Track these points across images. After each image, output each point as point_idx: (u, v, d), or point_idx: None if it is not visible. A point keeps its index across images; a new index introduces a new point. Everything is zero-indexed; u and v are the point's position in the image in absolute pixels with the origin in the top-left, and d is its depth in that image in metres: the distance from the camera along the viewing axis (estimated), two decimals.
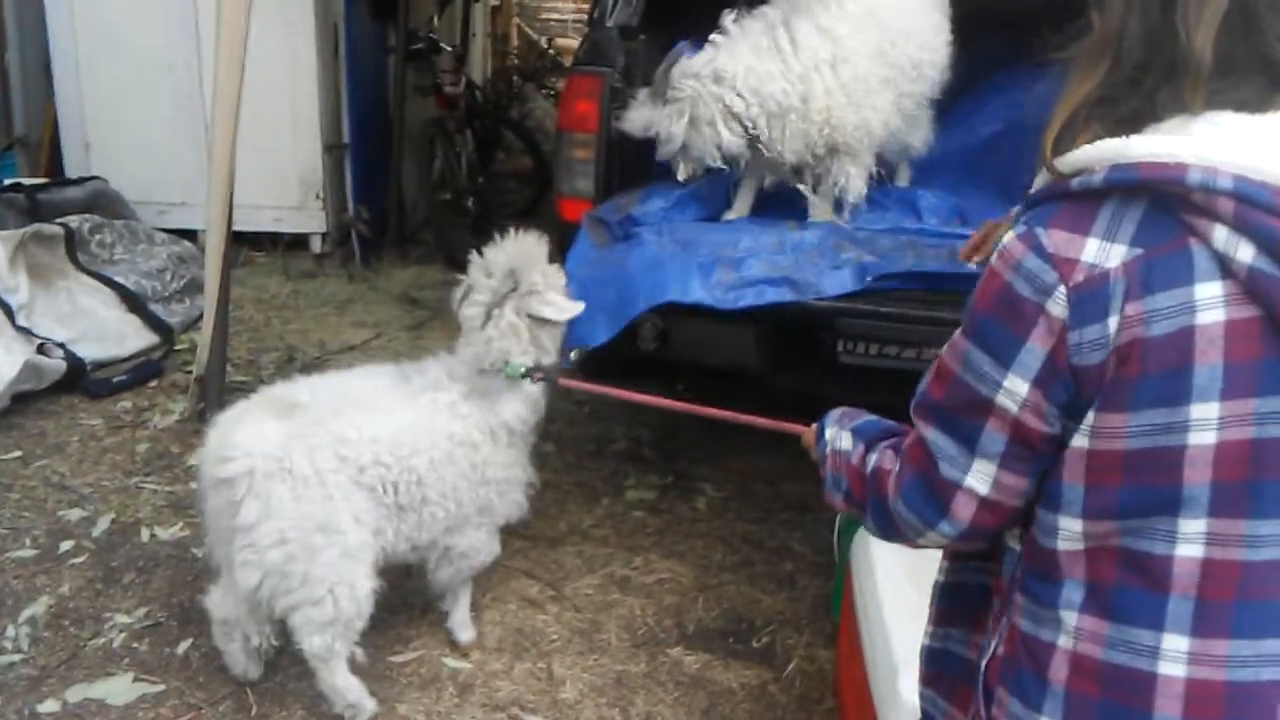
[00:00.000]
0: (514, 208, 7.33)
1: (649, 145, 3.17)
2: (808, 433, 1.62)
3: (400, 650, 2.82)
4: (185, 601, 2.94)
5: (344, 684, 2.48)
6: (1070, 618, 1.16)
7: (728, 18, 3.02)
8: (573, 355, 2.88)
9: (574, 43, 12.77)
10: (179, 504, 3.44)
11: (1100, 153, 1.09)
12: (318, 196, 5.84)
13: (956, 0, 3.50)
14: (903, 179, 3.68)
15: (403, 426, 2.38)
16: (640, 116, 2.98)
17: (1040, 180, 1.18)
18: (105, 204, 5.25)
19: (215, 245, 3.85)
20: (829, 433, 1.46)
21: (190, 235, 5.37)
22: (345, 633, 2.40)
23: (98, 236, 4.87)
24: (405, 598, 2.94)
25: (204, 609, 2.58)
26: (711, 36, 3.01)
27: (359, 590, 2.36)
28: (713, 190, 3.17)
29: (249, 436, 2.26)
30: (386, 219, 6.23)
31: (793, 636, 2.99)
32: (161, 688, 2.65)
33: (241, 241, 5.25)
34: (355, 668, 2.55)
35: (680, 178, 3.10)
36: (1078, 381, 1.09)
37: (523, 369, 2.47)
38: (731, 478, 3.79)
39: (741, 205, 3.22)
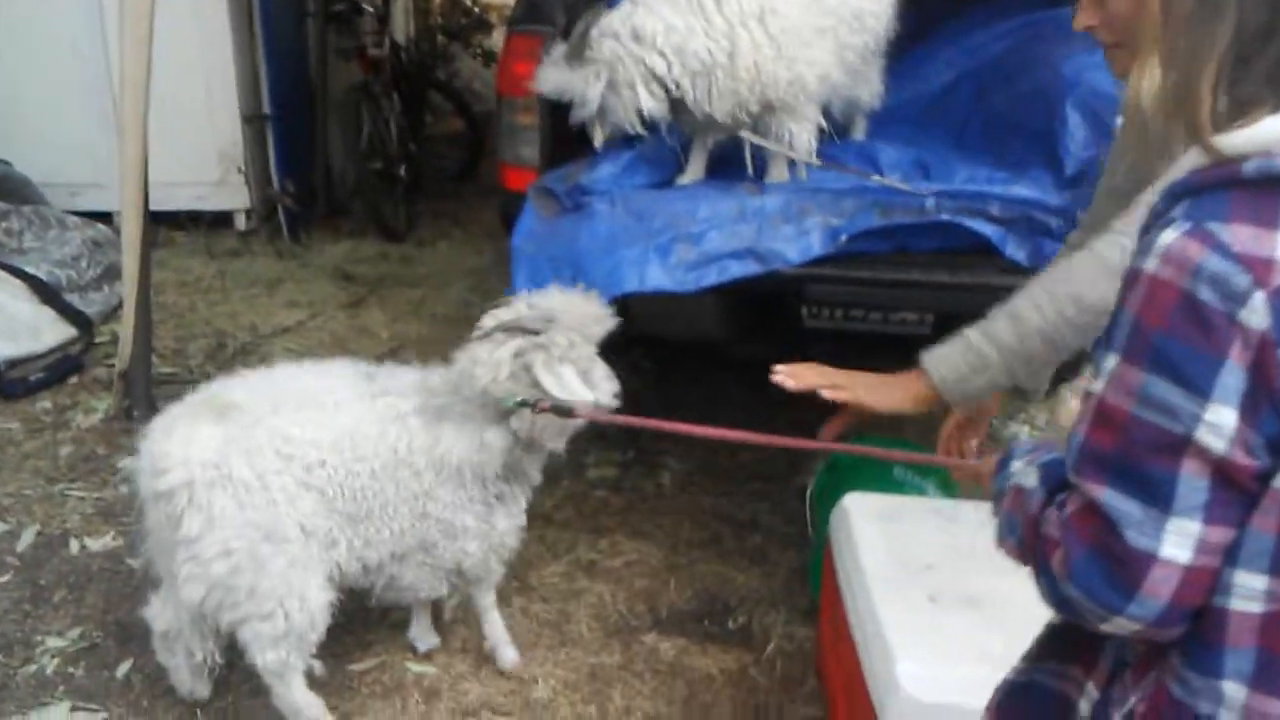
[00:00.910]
0: (449, 173, 7.08)
1: None
2: (985, 465, 1.41)
3: (360, 658, 2.66)
4: (123, 618, 2.74)
5: (302, 700, 2.32)
6: (1236, 692, 0.98)
7: None
8: None
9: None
10: (109, 511, 3.22)
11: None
12: (239, 170, 5.54)
13: None
14: (859, 132, 3.55)
15: (346, 427, 2.18)
16: (554, 78, 2.77)
17: (1188, 162, 0.99)
18: (10, 189, 4.91)
19: (132, 229, 3.60)
20: (1016, 464, 1.19)
21: (105, 218, 5.05)
22: (300, 646, 2.24)
23: (4, 224, 4.56)
24: (361, 601, 2.77)
25: (144, 622, 2.40)
26: None
27: (311, 603, 2.19)
28: (664, 152, 3.01)
29: (183, 444, 2.09)
30: (314, 191, 5.96)
31: (769, 615, 2.89)
32: (103, 715, 2.47)
33: (160, 222, 4.97)
34: (313, 681, 2.39)
35: (597, 143, 2.90)
36: None
37: (517, 399, 2.12)
38: (694, 450, 3.66)
39: (695, 167, 3.05)
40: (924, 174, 3.13)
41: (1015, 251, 2.64)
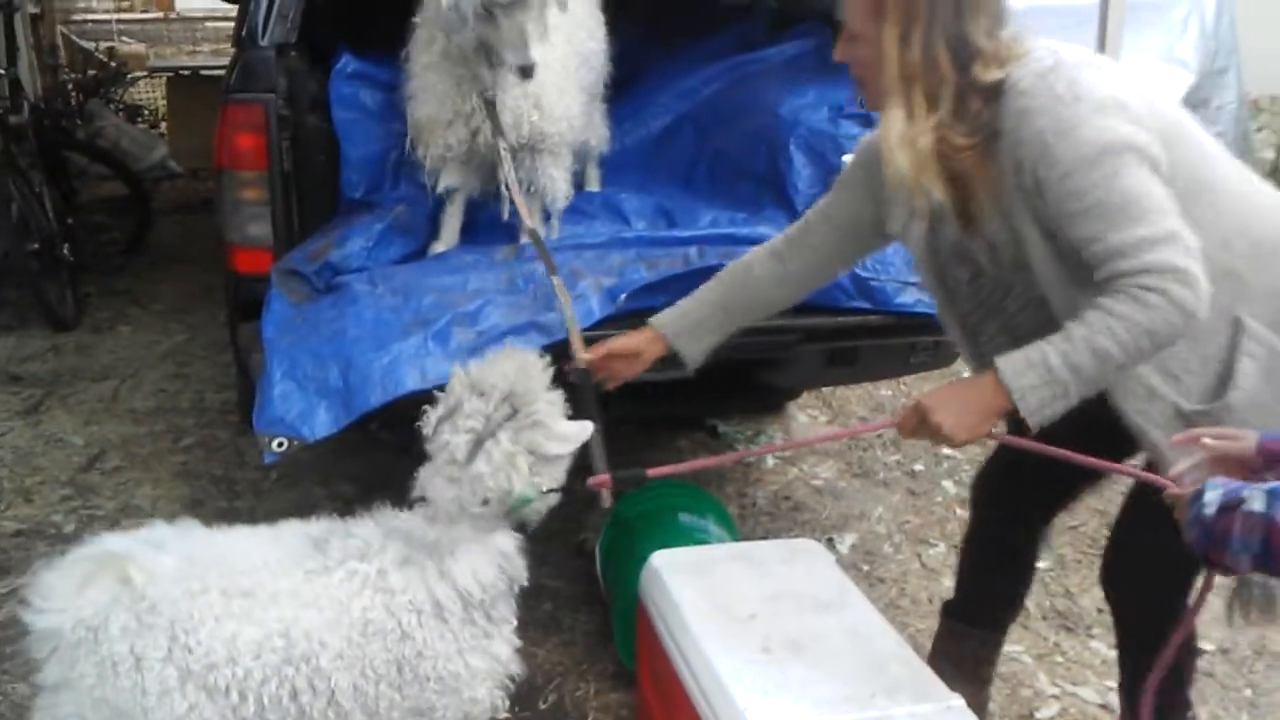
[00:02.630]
0: (118, 245, 6.39)
1: (332, 175, 2.79)
2: (1178, 492, 1.62)
3: None
4: None
5: None
6: None
7: None
8: (275, 446, 2.36)
9: (138, 49, 11.48)
10: None
11: None
12: None
13: None
14: (593, 183, 3.55)
15: (280, 624, 1.86)
16: None
17: None
18: None
19: None
20: (1214, 495, 1.46)
21: None
22: None
23: None
24: None
25: None
26: None
27: None
28: (415, 220, 2.84)
29: (73, 590, 1.81)
30: None
31: (579, 687, 2.80)
32: None
33: None
34: None
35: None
36: None
37: (537, 491, 1.98)
38: None
39: (449, 234, 2.91)
40: (669, 221, 3.18)
41: None
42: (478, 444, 1.95)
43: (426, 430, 1.99)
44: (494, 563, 2.03)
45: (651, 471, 2.13)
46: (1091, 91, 1.77)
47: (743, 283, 2.33)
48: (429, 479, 2.02)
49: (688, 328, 2.35)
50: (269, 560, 1.92)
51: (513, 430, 1.97)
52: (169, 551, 1.89)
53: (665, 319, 2.35)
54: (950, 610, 2.63)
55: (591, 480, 2.14)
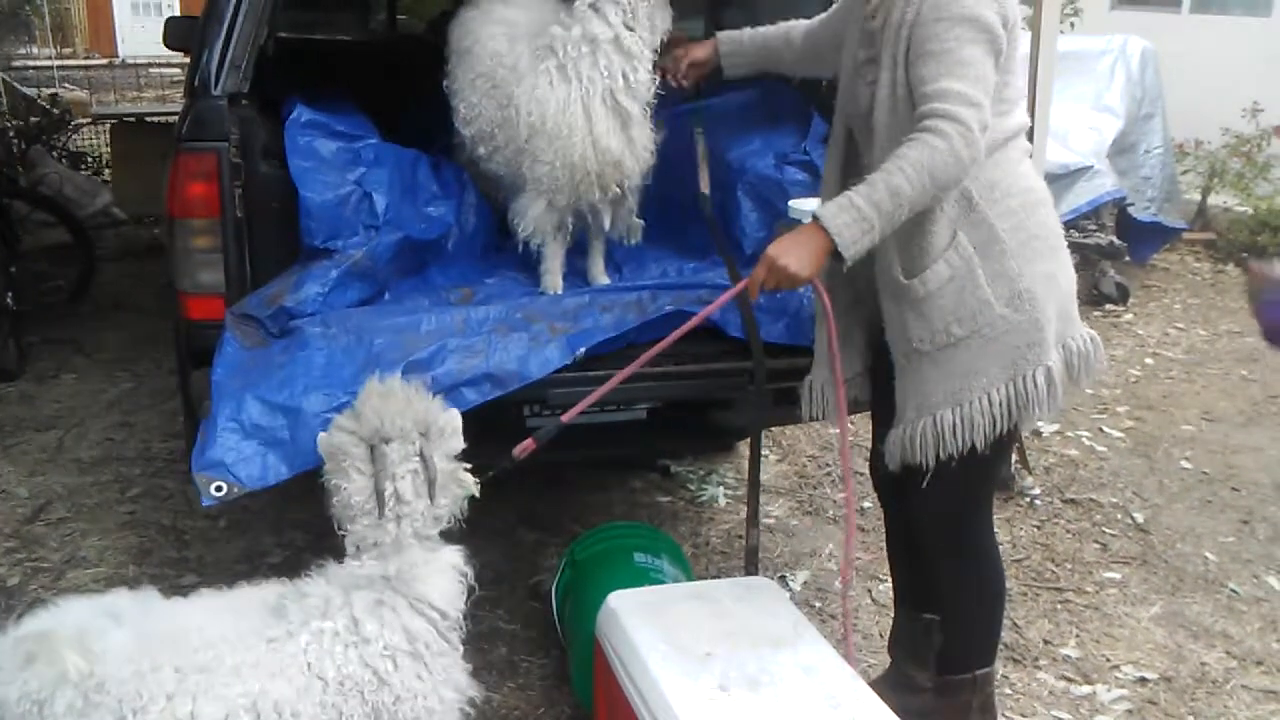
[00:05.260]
0: (62, 293, 6.30)
1: (286, 222, 2.80)
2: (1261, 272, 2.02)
3: None
4: None
5: None
6: None
7: None
8: (214, 490, 2.32)
9: (81, 95, 11.36)
10: None
11: None
12: None
13: None
14: None
15: (246, 699, 1.83)
16: None
17: None
18: None
19: None
20: None
21: None
22: None
23: None
24: None
25: None
26: None
27: None
28: (373, 265, 2.85)
29: (21, 663, 1.78)
30: None
31: None
32: None
33: None
34: None
35: None
36: None
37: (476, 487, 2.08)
38: None
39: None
40: (620, 265, 3.23)
41: (739, 331, 2.78)
42: (432, 484, 1.99)
43: (358, 498, 1.98)
44: (454, 578, 2.07)
45: (565, 417, 2.40)
46: None
47: (783, 39, 2.85)
48: (378, 530, 2.01)
49: (733, 52, 2.91)
50: (226, 633, 1.89)
51: (438, 450, 2.03)
52: (125, 624, 1.86)
53: (727, 38, 2.92)
54: (896, 599, 2.85)
55: (517, 449, 2.32)
